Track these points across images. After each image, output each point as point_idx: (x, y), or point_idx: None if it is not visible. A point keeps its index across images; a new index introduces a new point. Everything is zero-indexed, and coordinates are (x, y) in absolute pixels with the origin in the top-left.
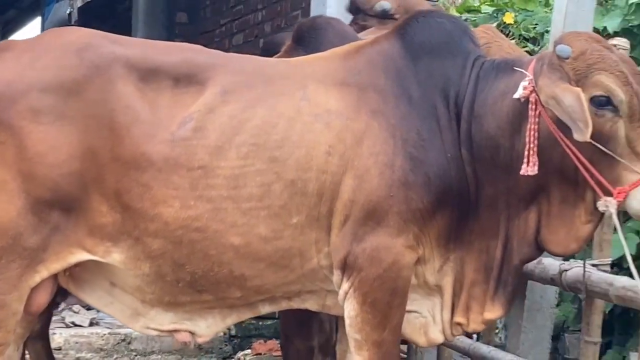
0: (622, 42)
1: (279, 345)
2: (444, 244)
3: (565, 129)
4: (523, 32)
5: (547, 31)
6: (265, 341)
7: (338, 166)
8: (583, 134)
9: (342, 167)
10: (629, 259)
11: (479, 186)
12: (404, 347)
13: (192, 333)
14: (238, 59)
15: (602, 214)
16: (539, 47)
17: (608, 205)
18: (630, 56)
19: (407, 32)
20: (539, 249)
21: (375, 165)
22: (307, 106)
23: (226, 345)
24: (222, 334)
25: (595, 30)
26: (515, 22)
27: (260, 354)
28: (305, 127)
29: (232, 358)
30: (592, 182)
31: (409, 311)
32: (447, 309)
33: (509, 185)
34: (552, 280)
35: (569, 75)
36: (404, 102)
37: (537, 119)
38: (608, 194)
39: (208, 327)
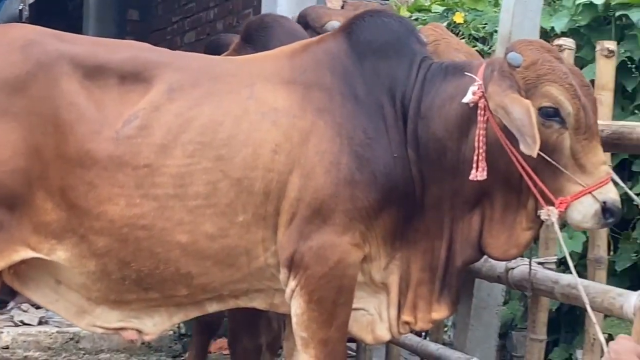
0: (568, 42)
1: (228, 343)
2: (390, 243)
3: (512, 137)
4: (473, 32)
5: (496, 31)
6: (215, 340)
7: (285, 165)
8: (531, 149)
9: (289, 166)
10: (570, 261)
11: (424, 186)
12: (352, 345)
13: (139, 331)
14: (185, 57)
15: (543, 222)
16: (488, 46)
17: (550, 214)
18: (577, 56)
19: (354, 31)
20: (482, 252)
21: (321, 163)
22: (254, 104)
23: (176, 343)
24: (171, 332)
25: (543, 30)
26: (465, 21)
27: (209, 352)
28: (252, 125)
29: (182, 356)
30: (535, 191)
31: (356, 309)
32: (393, 307)
33: (454, 188)
34: (498, 279)
35: (518, 84)
36: (350, 100)
37: (485, 125)
38: (550, 203)
39: (155, 325)
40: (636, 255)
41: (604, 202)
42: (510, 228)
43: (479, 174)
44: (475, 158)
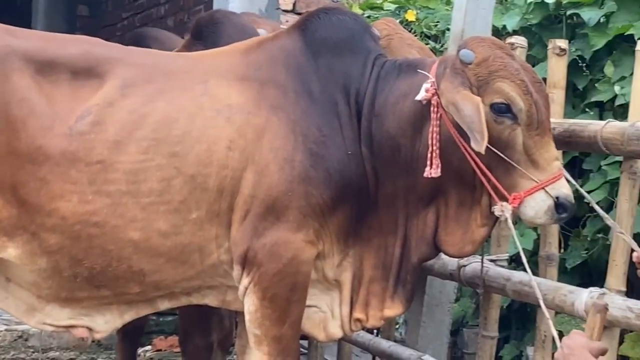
0: (520, 40)
1: (179, 341)
2: (344, 240)
3: (465, 134)
4: (425, 30)
5: (449, 29)
6: (165, 337)
7: (239, 161)
8: (479, 145)
9: (243, 163)
10: (523, 257)
11: (378, 184)
12: (304, 343)
13: (89, 329)
14: (138, 53)
15: (497, 218)
16: (440, 44)
17: (503, 210)
18: (529, 55)
19: (309, 28)
20: (437, 249)
21: (275, 160)
22: (208, 101)
23: None
24: None
25: (495, 28)
26: (417, 19)
27: (160, 350)
28: (206, 122)
29: None
30: (488, 187)
31: (309, 306)
32: (345, 304)
33: (408, 185)
34: (450, 276)
35: (470, 80)
36: (305, 97)
37: (438, 122)
38: (504, 199)
39: (106, 322)
40: (586, 253)
41: (557, 198)
42: (465, 225)
43: (433, 171)
44: (429, 155)
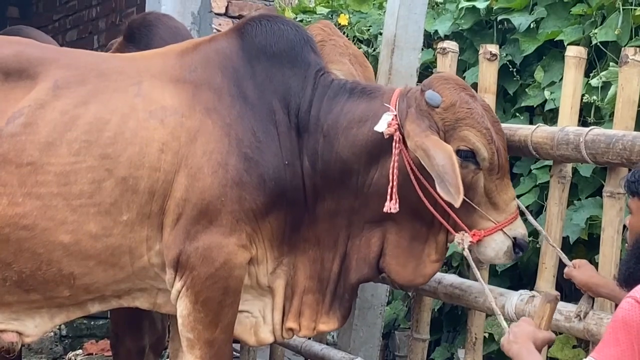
0: (452, 45)
1: (110, 345)
2: (277, 247)
3: (425, 173)
4: (357, 34)
5: (381, 33)
6: (96, 341)
7: (171, 164)
8: (454, 199)
9: (176, 165)
10: (472, 262)
11: (318, 198)
12: (236, 346)
13: (19, 333)
14: (71, 54)
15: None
16: (373, 49)
17: (463, 239)
18: (460, 59)
19: (248, 33)
20: (379, 271)
21: (208, 163)
22: (141, 102)
23: (57, 345)
24: (52, 334)
25: (427, 33)
26: (350, 23)
27: (91, 354)
28: (139, 123)
29: (63, 358)
30: (446, 225)
31: (241, 311)
32: (278, 311)
33: (354, 206)
34: (382, 279)
35: (437, 124)
36: (240, 101)
37: (398, 157)
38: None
39: (36, 326)
40: None
41: (514, 238)
42: (417, 258)
43: (392, 205)
44: (389, 190)
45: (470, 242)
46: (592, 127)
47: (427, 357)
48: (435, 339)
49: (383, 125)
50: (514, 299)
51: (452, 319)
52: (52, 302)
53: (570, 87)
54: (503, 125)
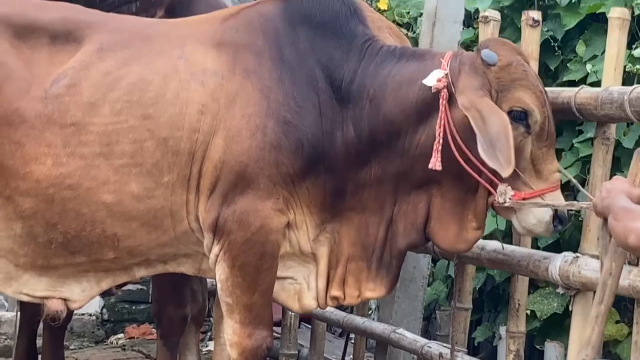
0: (494, 13)
1: (153, 314)
2: (317, 213)
3: (470, 134)
4: (397, 18)
5: (421, 15)
6: (138, 325)
7: (210, 126)
8: (503, 169)
9: (214, 127)
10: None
11: (364, 166)
12: (277, 329)
13: (65, 300)
14: (117, 18)
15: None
16: (413, 32)
17: (506, 190)
18: (501, 36)
19: (291, 1)
20: (427, 238)
21: (247, 126)
22: (183, 64)
23: (98, 329)
24: (94, 317)
25: (467, 12)
26: (389, 7)
27: (133, 337)
28: (181, 85)
29: (105, 342)
30: (487, 185)
31: (285, 277)
32: (322, 278)
33: (401, 170)
34: (425, 248)
35: (490, 83)
36: (281, 65)
37: (446, 115)
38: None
39: (83, 291)
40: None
41: (556, 210)
42: (460, 223)
43: (437, 162)
44: (435, 146)
45: (512, 197)
46: (636, 85)
47: (468, 336)
48: (477, 319)
49: (432, 80)
50: (558, 261)
51: (493, 298)
52: (98, 265)
53: (614, 48)
54: (546, 88)
